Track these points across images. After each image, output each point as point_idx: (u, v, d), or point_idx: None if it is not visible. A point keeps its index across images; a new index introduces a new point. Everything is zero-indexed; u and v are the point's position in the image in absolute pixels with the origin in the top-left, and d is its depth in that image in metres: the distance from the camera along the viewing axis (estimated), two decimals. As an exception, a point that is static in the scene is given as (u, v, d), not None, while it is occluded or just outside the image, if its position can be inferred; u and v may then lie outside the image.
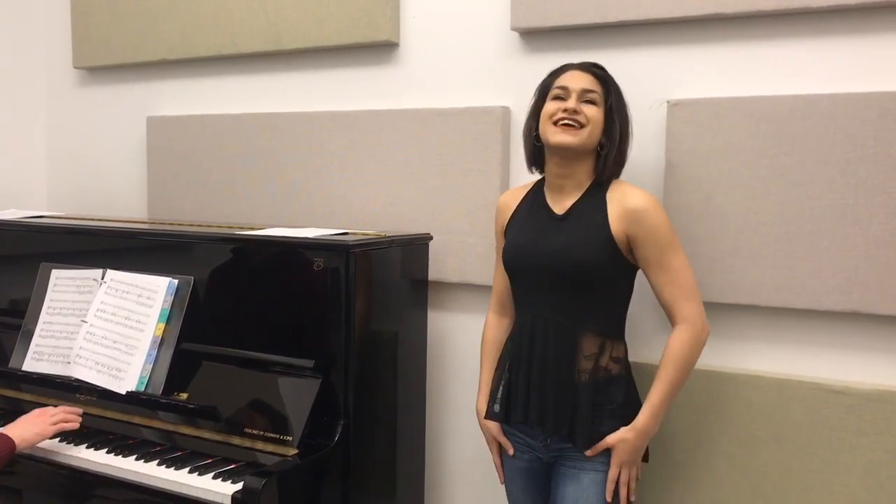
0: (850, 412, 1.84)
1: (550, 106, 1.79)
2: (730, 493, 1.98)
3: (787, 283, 1.89)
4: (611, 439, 1.76)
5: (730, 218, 1.94)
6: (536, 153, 1.88)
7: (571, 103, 1.76)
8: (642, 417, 1.76)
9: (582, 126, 1.75)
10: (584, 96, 1.77)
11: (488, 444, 1.97)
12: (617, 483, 1.77)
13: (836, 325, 1.90)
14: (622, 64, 1.99)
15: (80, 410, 2.04)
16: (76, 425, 2.01)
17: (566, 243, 1.77)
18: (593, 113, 1.77)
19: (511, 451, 1.91)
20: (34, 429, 1.95)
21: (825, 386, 1.87)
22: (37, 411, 2.01)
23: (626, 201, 1.76)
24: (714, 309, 2.00)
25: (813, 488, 1.89)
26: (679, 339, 1.77)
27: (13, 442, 1.90)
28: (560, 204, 1.83)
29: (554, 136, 1.76)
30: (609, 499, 1.77)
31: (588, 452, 1.78)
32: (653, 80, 2.03)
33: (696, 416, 2.00)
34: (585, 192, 1.81)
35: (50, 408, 2.03)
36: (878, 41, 1.83)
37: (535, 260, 1.81)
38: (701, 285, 1.96)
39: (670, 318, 1.80)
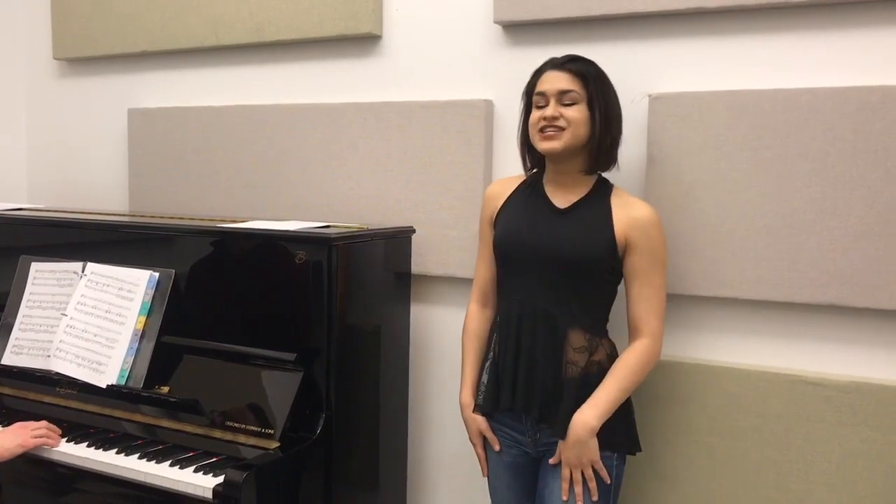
0: (828, 403, 1.86)
1: (533, 115, 1.83)
2: (710, 483, 2.00)
3: (767, 275, 1.91)
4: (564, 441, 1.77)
5: (710, 211, 1.95)
6: (533, 155, 1.90)
7: (549, 110, 1.79)
8: (580, 412, 1.74)
9: (563, 129, 1.78)
10: (562, 98, 1.79)
11: (472, 437, 1.97)
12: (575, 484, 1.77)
13: (814, 317, 1.92)
14: (604, 57, 1.98)
15: (60, 431, 2.05)
16: (57, 444, 2.01)
17: (569, 236, 1.80)
18: (573, 113, 1.78)
19: (497, 447, 1.92)
20: (16, 440, 1.97)
21: (803, 378, 1.89)
22: (19, 424, 2.03)
23: (632, 209, 1.81)
24: (694, 302, 2.02)
25: (791, 478, 1.91)
26: (641, 349, 1.79)
27: None
28: (562, 198, 1.85)
29: (539, 143, 1.82)
30: (565, 497, 1.77)
31: (551, 461, 1.79)
32: (634, 73, 2.03)
33: (677, 407, 2.01)
34: (590, 191, 1.84)
35: (32, 422, 2.03)
36: (857, 36, 1.84)
37: (533, 249, 1.82)
38: (681, 278, 1.98)
39: (634, 331, 1.82)
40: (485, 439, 1.94)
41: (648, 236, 1.79)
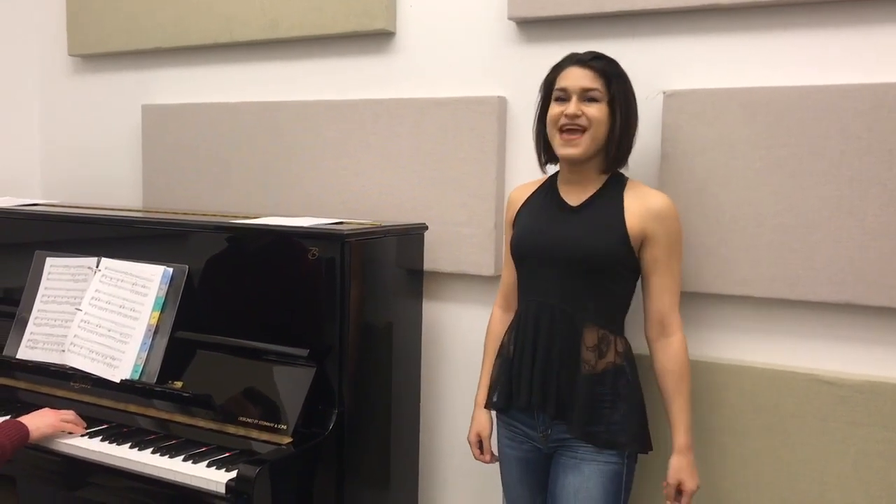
0: (843, 403, 1.85)
1: (553, 110, 1.81)
2: (723, 482, 1.99)
3: (781, 274, 1.90)
4: (673, 474, 1.80)
5: (724, 209, 1.95)
6: (549, 152, 1.89)
7: (571, 107, 1.77)
8: (680, 437, 1.80)
9: (584, 129, 1.77)
10: (585, 95, 1.77)
11: (470, 435, 2.00)
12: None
13: (830, 316, 1.90)
14: (618, 54, 1.98)
15: (84, 424, 2.08)
16: (82, 431, 2.05)
17: (580, 232, 1.79)
18: (594, 112, 1.77)
19: (487, 458, 1.99)
20: (47, 420, 2.00)
21: (818, 377, 1.88)
22: (47, 409, 2.07)
23: (648, 201, 1.79)
24: (708, 300, 2.01)
25: (804, 478, 1.90)
26: (682, 351, 1.82)
27: (27, 429, 1.94)
28: (575, 197, 1.85)
29: (559, 148, 1.81)
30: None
31: (667, 490, 1.82)
32: (649, 70, 2.03)
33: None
34: (602, 187, 1.83)
35: (63, 411, 2.07)
36: (872, 33, 1.83)
37: (546, 247, 1.82)
38: (695, 276, 1.98)
39: (660, 325, 1.83)
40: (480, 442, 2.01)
41: (666, 226, 1.79)
